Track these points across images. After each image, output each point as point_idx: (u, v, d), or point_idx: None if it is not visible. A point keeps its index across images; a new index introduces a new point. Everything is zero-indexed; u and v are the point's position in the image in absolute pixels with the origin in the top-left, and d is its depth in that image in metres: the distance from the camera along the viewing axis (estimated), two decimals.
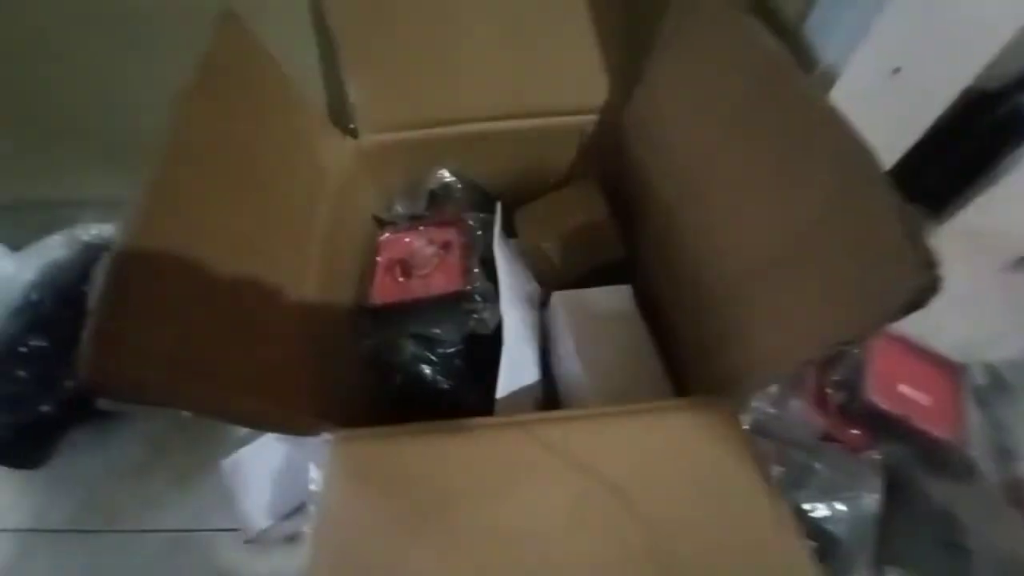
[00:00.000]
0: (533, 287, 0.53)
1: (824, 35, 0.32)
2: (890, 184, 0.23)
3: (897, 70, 0.31)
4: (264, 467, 0.53)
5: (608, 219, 0.54)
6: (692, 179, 0.41)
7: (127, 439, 0.62)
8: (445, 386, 0.49)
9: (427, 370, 0.50)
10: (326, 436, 0.32)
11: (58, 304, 0.60)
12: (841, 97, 0.31)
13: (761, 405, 0.47)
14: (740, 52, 0.34)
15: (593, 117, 0.51)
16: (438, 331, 0.48)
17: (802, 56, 0.33)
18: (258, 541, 0.52)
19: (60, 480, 0.61)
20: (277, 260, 0.37)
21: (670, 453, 0.30)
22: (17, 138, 0.64)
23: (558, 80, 0.49)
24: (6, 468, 0.57)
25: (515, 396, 0.44)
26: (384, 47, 0.47)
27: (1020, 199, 0.37)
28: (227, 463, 0.55)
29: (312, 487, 0.32)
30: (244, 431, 0.61)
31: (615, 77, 0.48)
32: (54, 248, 0.69)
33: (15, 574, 0.58)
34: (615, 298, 0.49)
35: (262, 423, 0.30)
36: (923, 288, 0.20)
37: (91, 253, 0.65)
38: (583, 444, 0.31)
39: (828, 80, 0.32)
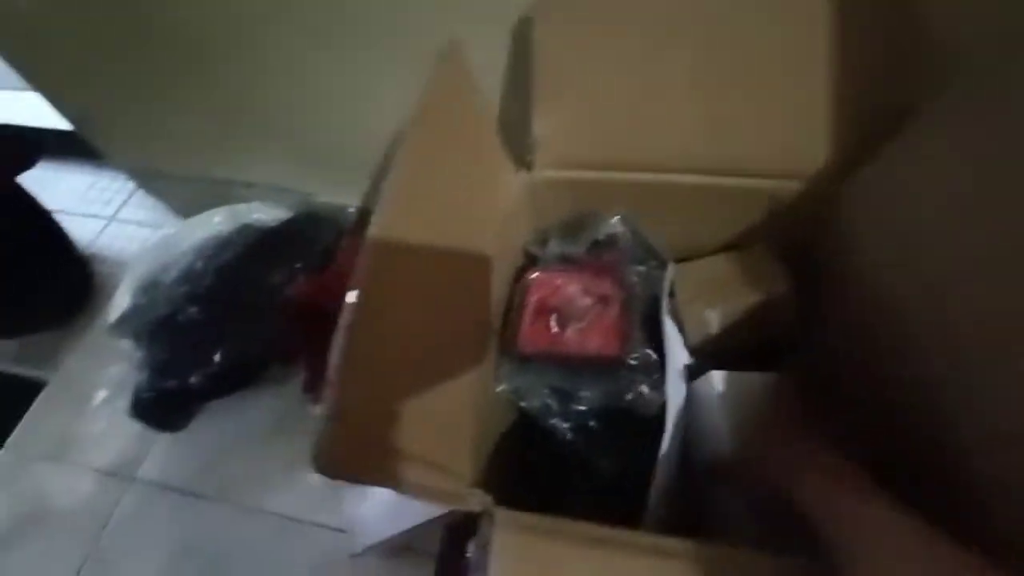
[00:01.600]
0: (685, 358, 0.48)
1: None
2: None
3: None
4: (387, 494, 0.53)
5: (788, 294, 0.48)
6: (943, 283, 0.34)
7: (258, 415, 0.65)
8: (582, 452, 0.46)
9: (560, 424, 0.47)
10: (489, 513, 0.30)
11: (217, 279, 0.64)
12: None
13: None
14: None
15: (791, 184, 0.45)
16: (586, 393, 0.45)
17: None
18: (363, 555, 0.52)
19: (190, 444, 0.65)
20: (458, 309, 0.36)
21: None
22: (205, 118, 0.69)
23: (758, 137, 0.44)
24: (147, 427, 0.62)
25: (666, 492, 0.39)
26: (580, 83, 0.45)
27: None
28: None
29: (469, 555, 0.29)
30: None
31: (837, 139, 0.42)
32: (218, 222, 0.74)
33: (133, 521, 0.63)
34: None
35: (431, 498, 0.28)
36: None
37: (251, 233, 0.69)
38: None
39: None
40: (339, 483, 0.21)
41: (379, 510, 0.53)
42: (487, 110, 0.42)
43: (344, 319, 0.25)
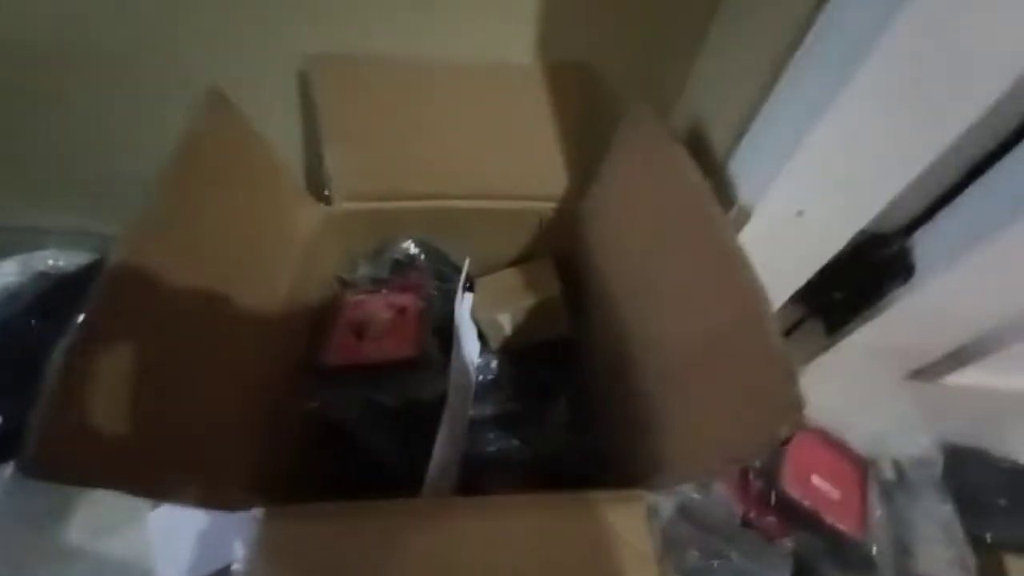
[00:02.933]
0: (476, 348, 0.56)
1: (742, 175, 0.38)
2: (774, 328, 0.27)
3: (801, 212, 0.36)
4: (192, 525, 0.52)
5: (558, 297, 0.58)
6: (630, 276, 0.45)
7: (45, 489, 0.59)
8: (385, 451, 0.50)
9: (368, 433, 0.51)
10: (255, 512, 0.33)
11: (3, 335, 0.59)
12: (752, 234, 0.36)
13: (686, 488, 0.50)
14: (671, 178, 0.38)
15: (551, 204, 0.56)
16: (386, 396, 0.50)
17: (724, 192, 0.38)
18: None
19: None
20: (238, 324, 0.39)
21: (576, 546, 0.32)
22: None
23: (521, 168, 0.54)
24: None
25: (447, 473, 0.45)
26: (362, 123, 0.51)
27: (906, 324, 0.42)
28: (155, 515, 0.54)
29: (235, 566, 0.32)
30: None
31: (573, 171, 0.53)
32: (6, 273, 0.67)
33: None
34: None
35: (186, 498, 0.30)
36: (789, 425, 0.24)
37: (45, 283, 0.65)
38: (497, 534, 0.33)
39: (743, 217, 0.37)
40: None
41: (187, 555, 0.52)
42: (270, 150, 0.46)
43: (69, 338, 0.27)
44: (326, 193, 0.54)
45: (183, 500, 0.30)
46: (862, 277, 0.42)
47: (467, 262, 0.55)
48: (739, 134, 0.37)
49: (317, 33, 0.48)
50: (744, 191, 0.37)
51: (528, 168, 0.54)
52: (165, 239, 0.34)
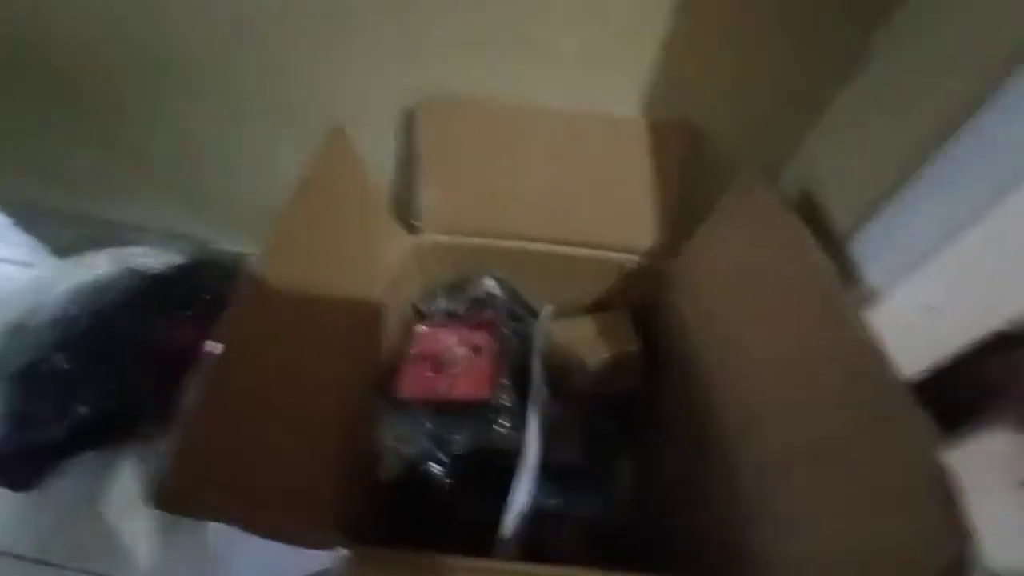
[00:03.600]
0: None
1: (869, 259, 0.36)
2: (932, 436, 0.25)
3: (931, 308, 0.34)
4: (257, 551, 0.52)
5: (636, 353, 0.56)
6: (726, 345, 0.44)
7: (121, 475, 0.61)
8: (449, 490, 0.50)
9: (435, 470, 0.51)
10: (341, 553, 0.33)
11: (92, 326, 0.62)
12: (875, 319, 0.34)
13: None
14: (785, 250, 0.37)
15: (635, 258, 0.55)
16: (456, 436, 0.49)
17: (843, 271, 0.37)
18: None
19: (41, 505, 0.60)
20: (332, 354, 0.39)
21: None
22: (98, 156, 0.69)
23: (610, 218, 0.54)
24: None
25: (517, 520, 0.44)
26: (460, 161, 0.52)
27: None
28: (216, 526, 0.54)
29: None
30: None
31: (663, 228, 0.52)
32: (99, 265, 0.71)
33: None
34: None
35: (281, 535, 0.30)
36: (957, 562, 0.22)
37: (136, 279, 0.68)
38: None
39: (865, 300, 0.35)
40: (193, 524, 0.24)
41: (248, 571, 0.52)
42: (372, 183, 0.47)
43: (206, 363, 0.28)
44: (415, 224, 0.55)
45: (279, 537, 0.30)
46: (988, 377, 0.39)
47: (549, 309, 0.54)
48: (865, 215, 0.36)
49: (426, 74, 0.50)
50: (869, 276, 0.35)
51: (617, 219, 0.53)
52: (283, 271, 0.35)
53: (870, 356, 0.29)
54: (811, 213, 0.41)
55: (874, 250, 0.35)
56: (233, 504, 0.26)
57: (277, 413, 0.33)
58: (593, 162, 0.51)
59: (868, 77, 0.40)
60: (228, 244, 0.75)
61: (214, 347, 0.29)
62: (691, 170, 0.50)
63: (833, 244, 0.39)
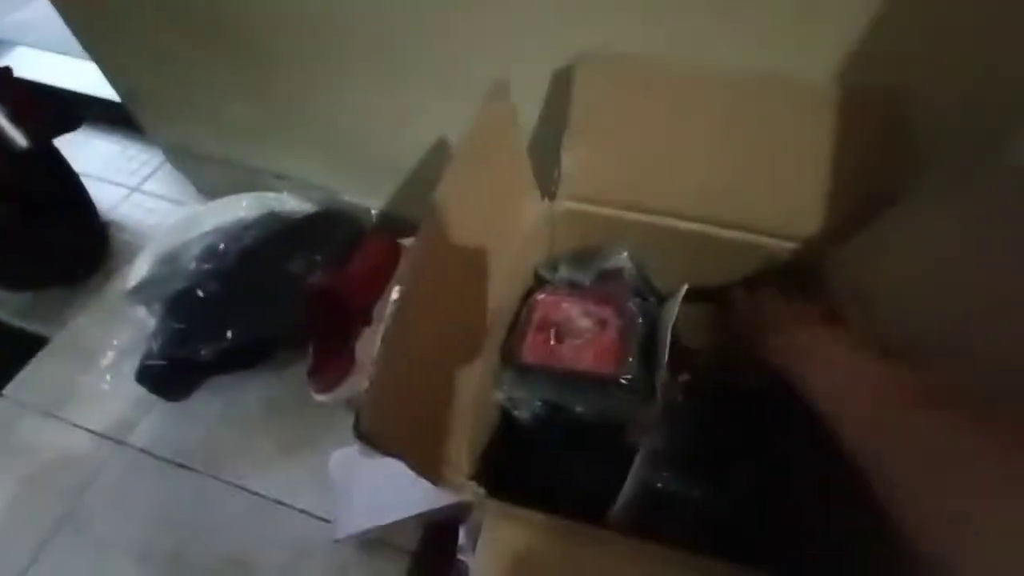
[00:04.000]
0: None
1: None
2: None
3: None
4: (373, 471, 0.55)
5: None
6: (922, 343, 0.38)
7: (256, 396, 0.67)
8: (567, 461, 0.49)
9: (547, 436, 0.50)
10: (482, 501, 0.33)
11: (238, 260, 0.67)
12: None
13: None
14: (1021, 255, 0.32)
15: (786, 244, 0.50)
16: (577, 407, 0.48)
17: None
18: (346, 542, 0.54)
19: (185, 415, 0.66)
20: (473, 310, 0.39)
21: None
22: (250, 109, 0.74)
23: (768, 199, 0.49)
24: (150, 393, 0.63)
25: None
26: (610, 125, 0.50)
27: None
28: (338, 456, 0.58)
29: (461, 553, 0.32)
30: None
31: (833, 212, 0.47)
32: (244, 206, 0.77)
33: (118, 485, 0.64)
34: None
35: (436, 479, 0.31)
36: None
37: (276, 222, 0.73)
38: None
39: None
40: (373, 452, 0.24)
41: (363, 501, 0.55)
42: (522, 143, 0.46)
43: (389, 309, 0.28)
44: (552, 189, 0.53)
45: (435, 480, 0.31)
46: None
47: (684, 289, 0.51)
48: None
49: (588, 31, 0.47)
50: None
51: (777, 199, 0.48)
52: (449, 221, 0.35)
53: None
54: None
55: None
56: (409, 441, 0.27)
57: (437, 359, 0.33)
58: (764, 132, 0.46)
59: None
60: (355, 197, 0.78)
61: (393, 293, 0.29)
62: (883, 146, 0.44)
63: None
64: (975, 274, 0.35)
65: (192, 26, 0.65)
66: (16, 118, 0.70)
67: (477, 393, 0.47)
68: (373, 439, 0.24)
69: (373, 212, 0.78)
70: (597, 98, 0.49)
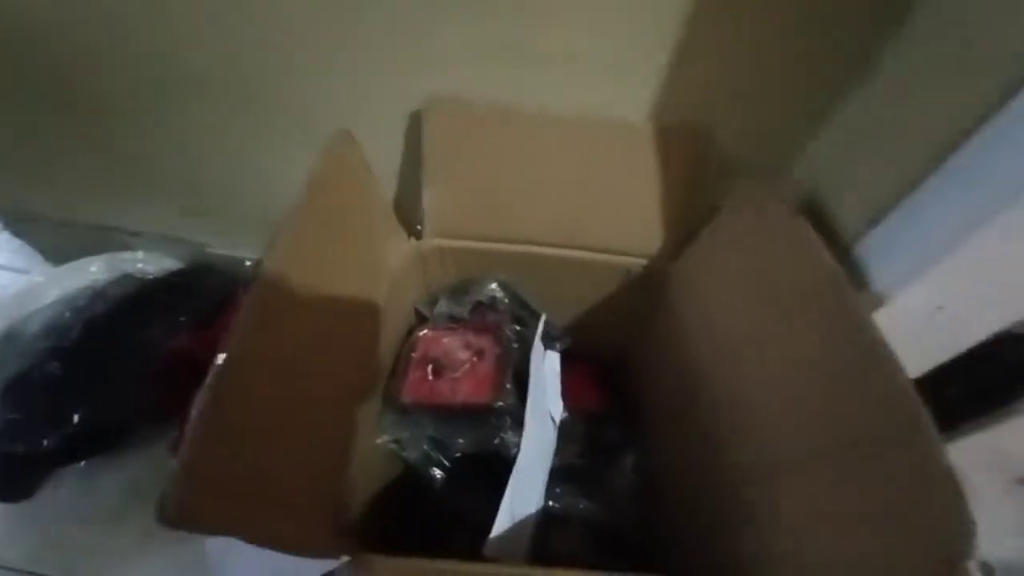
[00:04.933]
0: (559, 406, 0.54)
1: (877, 261, 0.36)
2: (935, 438, 0.25)
3: (941, 308, 0.34)
4: (255, 557, 0.51)
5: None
6: (728, 348, 0.43)
7: (111, 484, 0.60)
8: (453, 495, 0.49)
9: (436, 474, 0.50)
10: (344, 559, 0.32)
11: (86, 333, 0.61)
12: (882, 322, 0.34)
13: None
14: (793, 253, 0.37)
15: (641, 260, 0.55)
16: (459, 440, 0.49)
17: (850, 275, 0.37)
18: None
19: (31, 516, 0.58)
20: (337, 360, 0.39)
21: None
22: (92, 160, 0.68)
23: (615, 222, 0.54)
24: None
25: (514, 527, 0.43)
26: (465, 165, 0.52)
27: None
28: (214, 542, 0.53)
29: None
30: None
31: (670, 231, 0.52)
32: (94, 271, 0.70)
33: None
34: None
35: (284, 544, 0.30)
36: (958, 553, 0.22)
37: (132, 285, 0.67)
38: None
39: (873, 304, 0.35)
40: (184, 533, 0.23)
41: None
42: (378, 187, 0.47)
43: (210, 377, 0.27)
44: (418, 228, 0.54)
45: (282, 547, 0.29)
46: (987, 377, 0.39)
47: (543, 318, 0.54)
48: (873, 220, 0.36)
49: (434, 79, 0.49)
50: (877, 280, 0.35)
51: (622, 223, 0.53)
52: (289, 276, 0.34)
53: (880, 358, 0.29)
54: (818, 217, 0.42)
55: (882, 253, 0.36)
56: (238, 517, 0.26)
57: (280, 422, 0.32)
58: (599, 166, 0.51)
59: (877, 82, 0.40)
60: (224, 248, 0.74)
61: (218, 358, 0.28)
62: (699, 174, 0.50)
63: (840, 248, 0.39)
64: (756, 287, 0.40)
65: (15, 74, 0.59)
66: None
67: (362, 441, 0.46)
68: (179, 521, 0.22)
69: (248, 263, 0.74)
70: (448, 138, 0.51)
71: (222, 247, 0.74)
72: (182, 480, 0.23)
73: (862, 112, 0.42)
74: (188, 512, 0.23)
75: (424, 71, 0.49)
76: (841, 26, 0.40)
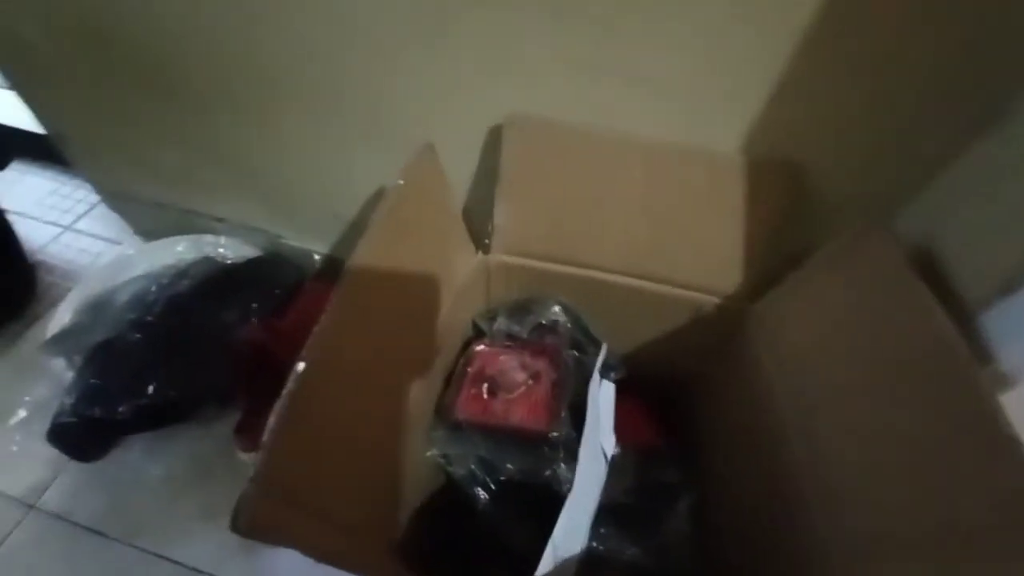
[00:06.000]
0: (612, 440, 0.52)
1: (1007, 337, 0.32)
2: None
3: None
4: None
5: None
6: (817, 407, 0.40)
7: (180, 455, 0.63)
8: (492, 517, 0.48)
9: (481, 494, 0.49)
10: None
11: (167, 309, 0.64)
12: (1010, 408, 0.30)
13: None
14: (907, 314, 0.34)
15: (713, 298, 0.52)
16: (508, 465, 0.47)
17: (971, 345, 0.33)
18: None
19: (101, 477, 0.62)
20: (402, 370, 0.39)
21: None
22: (186, 153, 0.72)
23: (691, 255, 0.51)
24: (62, 454, 0.59)
25: (557, 568, 0.42)
26: (541, 183, 0.51)
27: None
28: None
29: None
30: None
31: (750, 270, 0.49)
32: (179, 250, 0.75)
33: (26, 552, 0.59)
34: None
35: (345, 566, 0.29)
36: None
37: (211, 267, 0.70)
38: None
39: (999, 385, 0.31)
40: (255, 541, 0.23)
41: (292, 572, 0.52)
42: (453, 198, 0.47)
43: (289, 385, 0.27)
44: (486, 242, 0.54)
45: (341, 565, 0.29)
46: None
47: (604, 348, 0.52)
48: (1005, 287, 0.32)
49: (517, 93, 0.49)
50: (1006, 358, 0.31)
51: (698, 258, 0.51)
52: (367, 286, 0.35)
53: (1006, 451, 0.26)
54: (930, 275, 0.37)
55: (1015, 329, 0.31)
56: (304, 532, 0.26)
57: (345, 435, 0.32)
58: (680, 196, 0.48)
59: (1009, 134, 0.36)
60: (297, 241, 0.77)
61: (298, 365, 0.28)
62: (787, 213, 0.46)
63: (958, 314, 0.35)
64: (855, 341, 0.37)
65: (128, 74, 0.64)
66: None
67: (413, 452, 0.46)
68: (253, 532, 0.23)
69: (316, 256, 0.76)
70: (526, 156, 0.50)
71: (294, 239, 0.77)
72: (256, 492, 0.23)
73: (991, 165, 0.38)
74: (260, 525, 0.23)
75: (508, 84, 0.49)
76: (969, 71, 0.36)
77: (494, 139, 0.52)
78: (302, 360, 0.29)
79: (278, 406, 0.26)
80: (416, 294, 0.43)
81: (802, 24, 0.37)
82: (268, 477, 0.24)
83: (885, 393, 0.34)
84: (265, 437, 0.25)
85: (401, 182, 0.39)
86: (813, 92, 0.41)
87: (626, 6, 0.41)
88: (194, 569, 0.57)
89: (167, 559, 0.58)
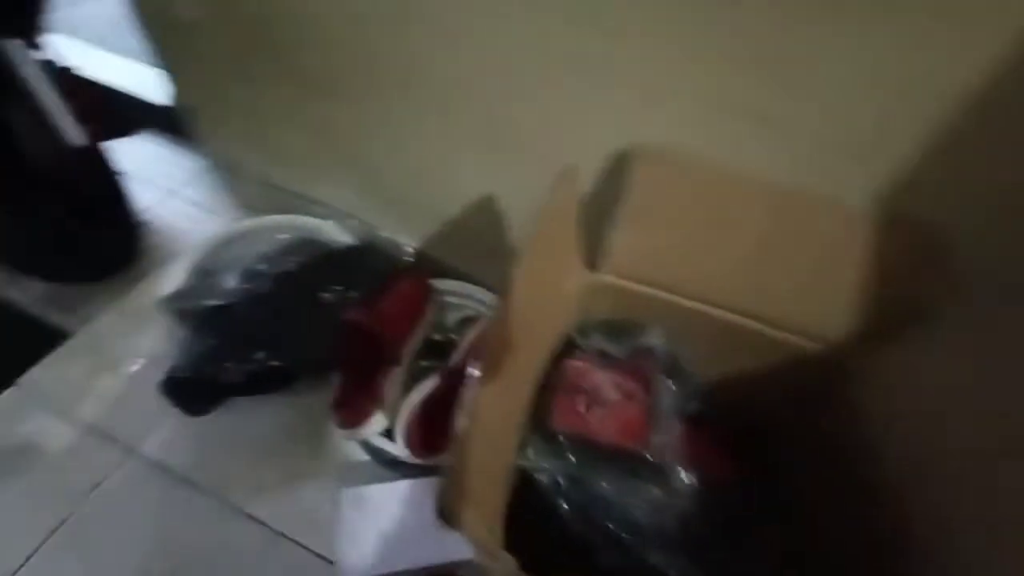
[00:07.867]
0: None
1: None
2: None
3: None
4: (385, 514, 0.55)
5: None
6: (927, 471, 0.40)
7: (273, 421, 0.67)
8: (573, 530, 0.50)
9: (563, 505, 0.51)
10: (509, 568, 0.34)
11: (277, 283, 0.69)
12: None
13: None
14: None
15: (813, 345, 0.53)
16: (602, 483, 0.49)
17: None
18: None
19: (199, 432, 0.66)
20: (523, 387, 0.41)
21: None
22: (304, 137, 0.77)
23: (800, 300, 0.52)
24: (170, 405, 0.63)
25: None
26: (661, 212, 0.53)
27: None
28: (349, 493, 0.58)
29: None
30: (367, 458, 0.65)
31: (859, 321, 0.50)
32: (282, 227, 0.79)
33: (121, 493, 0.63)
34: None
35: (481, 550, 0.32)
36: None
37: (315, 249, 0.75)
38: None
39: None
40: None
41: (373, 545, 0.55)
42: (578, 221, 0.49)
43: (469, 390, 0.30)
44: (595, 260, 0.56)
45: (483, 554, 0.32)
46: None
47: (695, 381, 0.53)
48: None
49: (645, 123, 0.51)
50: None
51: (809, 303, 0.51)
52: (520, 302, 0.37)
53: None
54: None
55: None
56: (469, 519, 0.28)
57: (493, 439, 0.34)
58: (803, 242, 0.50)
59: None
60: (391, 233, 0.81)
61: (473, 373, 0.31)
62: (914, 272, 0.47)
63: None
64: (980, 414, 0.37)
65: (266, 56, 0.68)
66: (80, 117, 0.72)
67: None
68: (451, 520, 0.25)
69: (408, 249, 0.80)
70: (651, 183, 0.52)
71: (389, 231, 0.81)
72: (451, 482, 0.26)
73: None
74: (453, 515, 0.25)
75: (637, 112, 0.51)
76: None
77: (619, 163, 0.54)
78: (477, 370, 0.31)
79: (461, 410, 0.29)
80: (540, 311, 0.46)
81: (946, 91, 0.38)
82: (460, 467, 0.27)
83: (1016, 468, 0.34)
84: (457, 432, 0.28)
85: (549, 201, 0.41)
86: (962, 159, 0.42)
87: (770, 52, 0.42)
88: (276, 531, 0.61)
89: (252, 518, 0.62)
